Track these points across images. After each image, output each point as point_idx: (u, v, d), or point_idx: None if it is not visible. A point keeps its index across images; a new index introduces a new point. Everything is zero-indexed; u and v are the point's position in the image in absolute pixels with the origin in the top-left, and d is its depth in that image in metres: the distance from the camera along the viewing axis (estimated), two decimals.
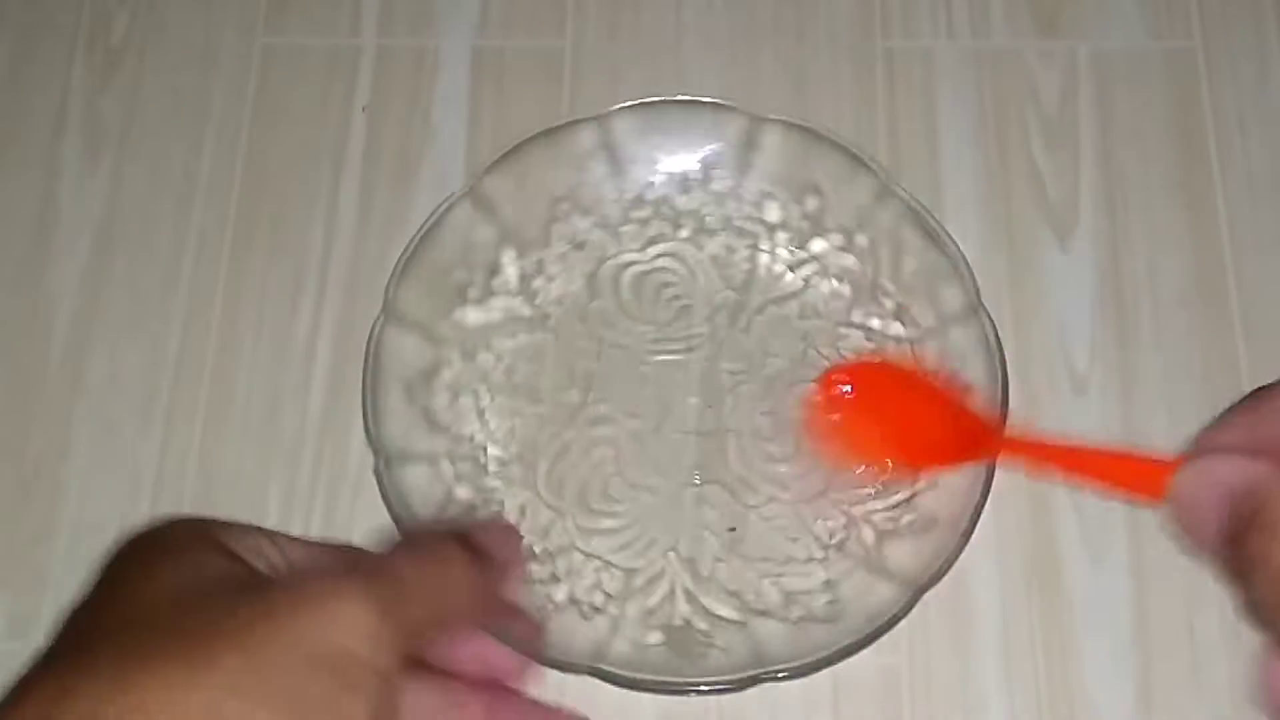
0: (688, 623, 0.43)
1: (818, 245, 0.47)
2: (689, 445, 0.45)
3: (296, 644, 0.26)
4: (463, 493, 0.44)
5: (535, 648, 0.39)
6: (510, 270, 0.47)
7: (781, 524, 0.44)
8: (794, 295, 0.47)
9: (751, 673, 0.40)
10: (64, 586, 0.45)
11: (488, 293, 0.47)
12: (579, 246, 0.48)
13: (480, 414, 0.46)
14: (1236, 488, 0.29)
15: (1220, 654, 0.43)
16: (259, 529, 0.32)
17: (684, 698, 0.42)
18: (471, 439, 0.45)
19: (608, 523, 0.44)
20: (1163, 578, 0.44)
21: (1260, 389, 0.31)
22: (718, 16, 0.53)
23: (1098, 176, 0.50)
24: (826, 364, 0.46)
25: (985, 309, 0.44)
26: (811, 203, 0.47)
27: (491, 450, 0.45)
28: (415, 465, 0.43)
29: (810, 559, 0.44)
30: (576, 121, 0.47)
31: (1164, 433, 0.46)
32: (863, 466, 0.45)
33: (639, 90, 0.52)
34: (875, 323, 0.46)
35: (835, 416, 0.45)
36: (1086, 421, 0.46)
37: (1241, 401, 0.31)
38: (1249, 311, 0.48)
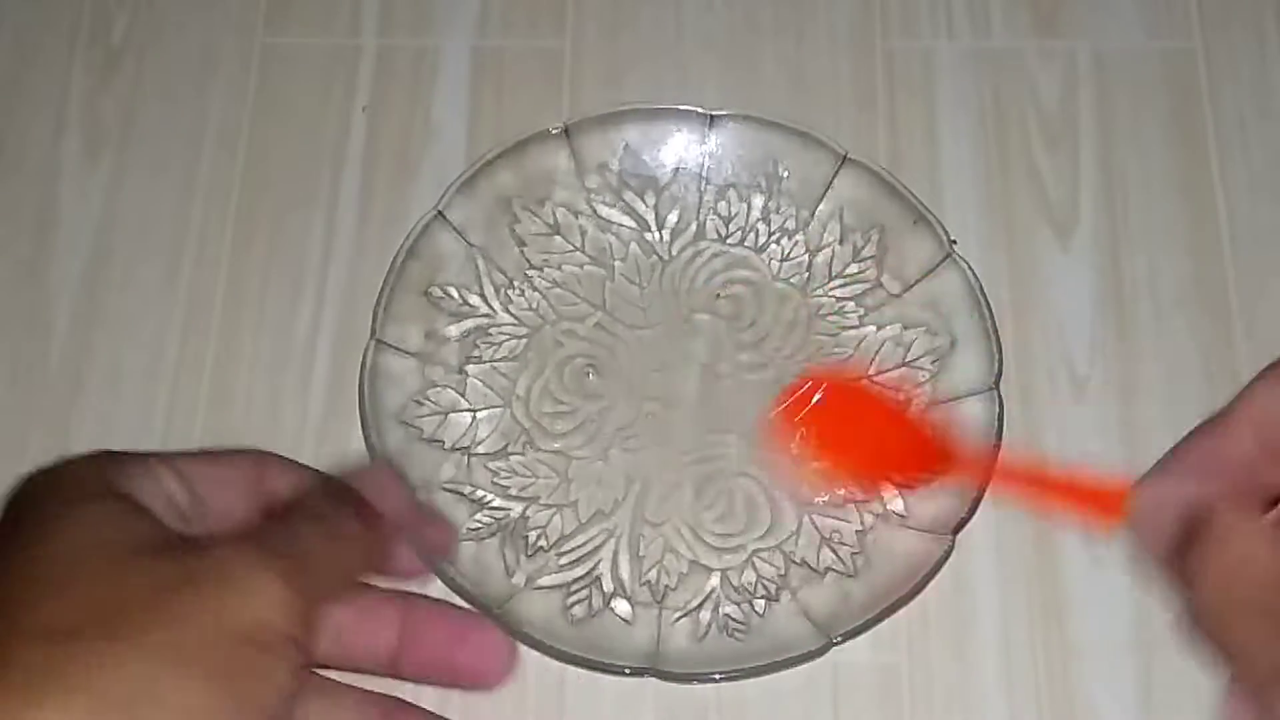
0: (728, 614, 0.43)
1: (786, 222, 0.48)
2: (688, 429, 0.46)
3: (219, 617, 0.28)
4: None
5: (448, 551, 0.42)
6: (487, 282, 0.48)
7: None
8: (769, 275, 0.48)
9: (823, 643, 0.41)
10: None
11: (468, 305, 0.47)
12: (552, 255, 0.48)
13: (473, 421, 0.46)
14: (1187, 505, 0.30)
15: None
16: (159, 459, 0.33)
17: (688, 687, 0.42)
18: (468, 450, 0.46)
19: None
20: (1162, 578, 0.44)
21: (1209, 418, 0.32)
22: (718, 16, 0.53)
23: (1098, 176, 0.50)
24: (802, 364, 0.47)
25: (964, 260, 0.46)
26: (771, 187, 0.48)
27: (491, 464, 0.46)
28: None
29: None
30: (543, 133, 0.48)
31: (1164, 433, 0.46)
32: (823, 483, 0.45)
33: (639, 90, 0.52)
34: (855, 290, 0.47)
35: (799, 430, 0.45)
36: (1086, 421, 0.46)
37: (1196, 428, 0.32)
38: (1249, 311, 0.48)
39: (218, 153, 0.51)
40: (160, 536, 0.30)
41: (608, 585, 0.44)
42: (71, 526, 0.29)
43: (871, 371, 0.46)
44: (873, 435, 0.45)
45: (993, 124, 0.51)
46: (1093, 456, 0.46)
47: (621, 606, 0.43)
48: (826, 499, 0.45)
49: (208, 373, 0.48)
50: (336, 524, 0.33)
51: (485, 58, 0.53)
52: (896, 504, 0.44)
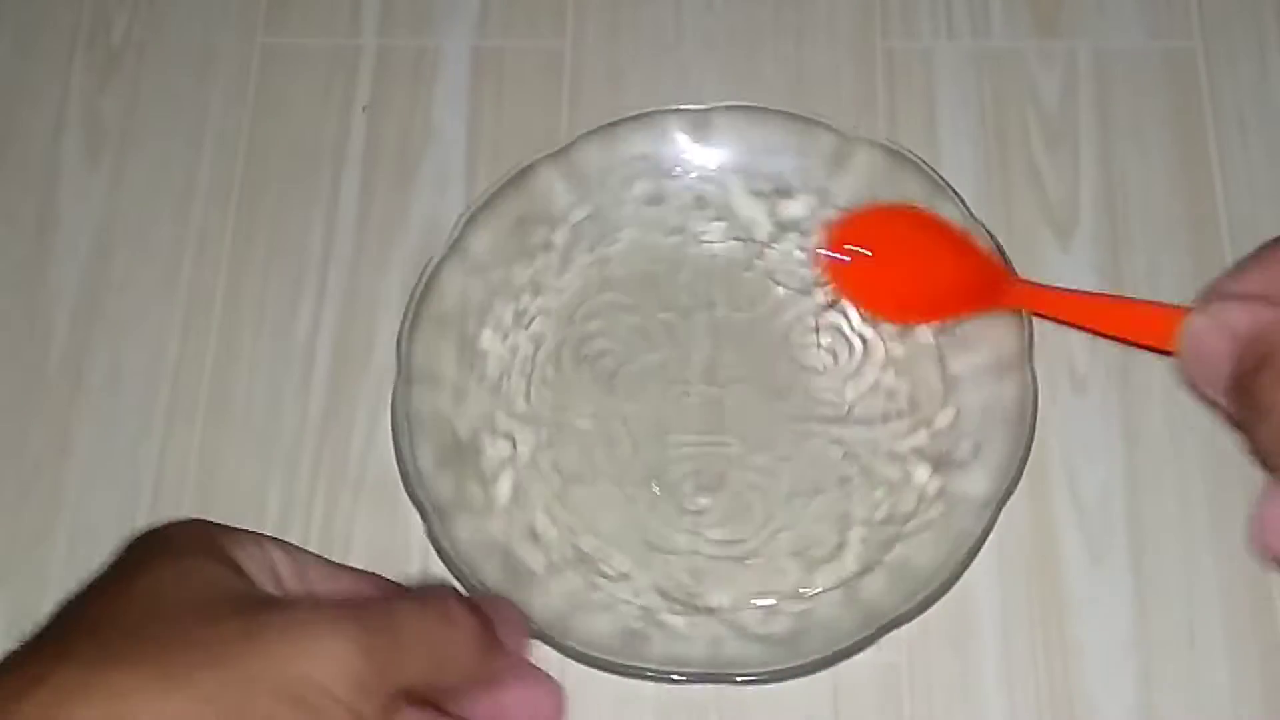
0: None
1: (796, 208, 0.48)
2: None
3: (270, 669, 0.26)
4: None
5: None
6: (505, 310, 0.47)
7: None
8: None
9: (853, 641, 0.41)
10: (64, 586, 0.44)
11: (491, 329, 0.47)
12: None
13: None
14: (1246, 333, 0.28)
15: (1220, 654, 0.43)
16: (278, 542, 0.31)
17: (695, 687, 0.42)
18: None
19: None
20: (1163, 578, 0.44)
21: (1272, 241, 0.30)
22: (718, 16, 0.53)
23: (1098, 176, 0.50)
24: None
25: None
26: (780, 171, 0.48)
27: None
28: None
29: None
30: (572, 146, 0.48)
31: (1164, 433, 0.46)
32: (874, 314, 0.46)
33: (639, 90, 0.52)
34: None
35: (843, 266, 0.46)
36: (1086, 420, 0.46)
37: (1253, 254, 0.30)
38: None
39: (218, 153, 0.51)
40: (246, 592, 0.29)
41: (659, 599, 0.43)
42: (162, 572, 0.29)
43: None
44: (918, 264, 0.46)
45: (993, 124, 0.51)
46: (1093, 456, 0.46)
47: (674, 619, 0.43)
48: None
49: (208, 373, 0.48)
50: (445, 612, 0.30)
51: (485, 58, 0.53)
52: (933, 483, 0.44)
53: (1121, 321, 0.40)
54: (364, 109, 0.52)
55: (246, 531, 0.31)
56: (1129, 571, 0.44)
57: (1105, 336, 0.43)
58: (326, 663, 0.26)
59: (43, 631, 0.28)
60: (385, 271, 0.49)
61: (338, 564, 0.33)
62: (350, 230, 0.50)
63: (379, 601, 0.30)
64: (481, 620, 0.31)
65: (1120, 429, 0.46)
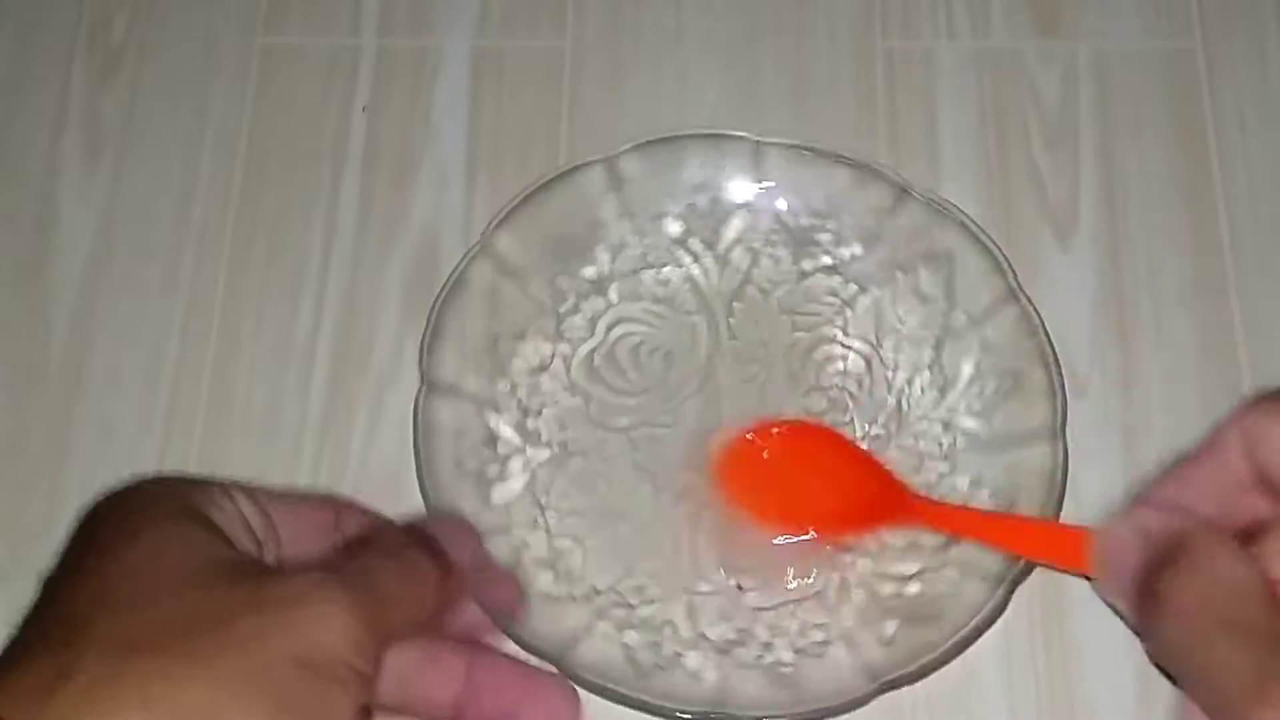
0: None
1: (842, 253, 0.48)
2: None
3: (289, 645, 0.27)
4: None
5: (514, 609, 0.41)
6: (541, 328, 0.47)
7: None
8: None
9: (871, 687, 0.40)
10: None
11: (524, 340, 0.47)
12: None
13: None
14: (1158, 535, 0.30)
15: None
16: (238, 486, 0.32)
17: None
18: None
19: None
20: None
21: (1186, 456, 0.32)
22: (718, 17, 0.53)
23: (1098, 176, 0.50)
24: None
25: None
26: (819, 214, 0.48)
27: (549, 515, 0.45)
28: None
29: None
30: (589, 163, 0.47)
31: (1164, 432, 0.46)
32: (775, 529, 0.44)
33: (639, 90, 0.52)
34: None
35: (748, 474, 0.45)
36: (1087, 421, 0.46)
37: (1168, 468, 0.32)
38: (1249, 311, 0.48)
39: (218, 153, 0.51)
40: (235, 560, 0.30)
41: (669, 632, 0.43)
42: (147, 543, 0.29)
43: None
44: (820, 478, 0.45)
45: (993, 124, 0.51)
46: (1093, 456, 0.45)
47: (685, 655, 0.42)
48: (786, 540, 0.44)
49: (208, 373, 0.48)
50: (409, 562, 0.32)
51: (485, 58, 0.53)
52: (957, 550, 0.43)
53: (1030, 540, 0.40)
54: (364, 109, 0.52)
55: (212, 483, 0.32)
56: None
57: (1015, 555, 0.41)
58: (332, 631, 0.28)
59: (40, 616, 0.28)
60: (385, 271, 0.49)
61: (293, 494, 0.34)
62: (350, 230, 0.50)
63: (355, 563, 0.31)
64: (438, 559, 0.33)
65: (1120, 429, 0.46)
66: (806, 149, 0.47)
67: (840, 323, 0.47)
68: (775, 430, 0.45)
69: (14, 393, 0.48)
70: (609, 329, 0.47)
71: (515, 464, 0.45)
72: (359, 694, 0.28)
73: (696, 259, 0.48)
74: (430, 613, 0.33)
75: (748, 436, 0.45)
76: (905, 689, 0.42)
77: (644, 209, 0.48)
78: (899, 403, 0.46)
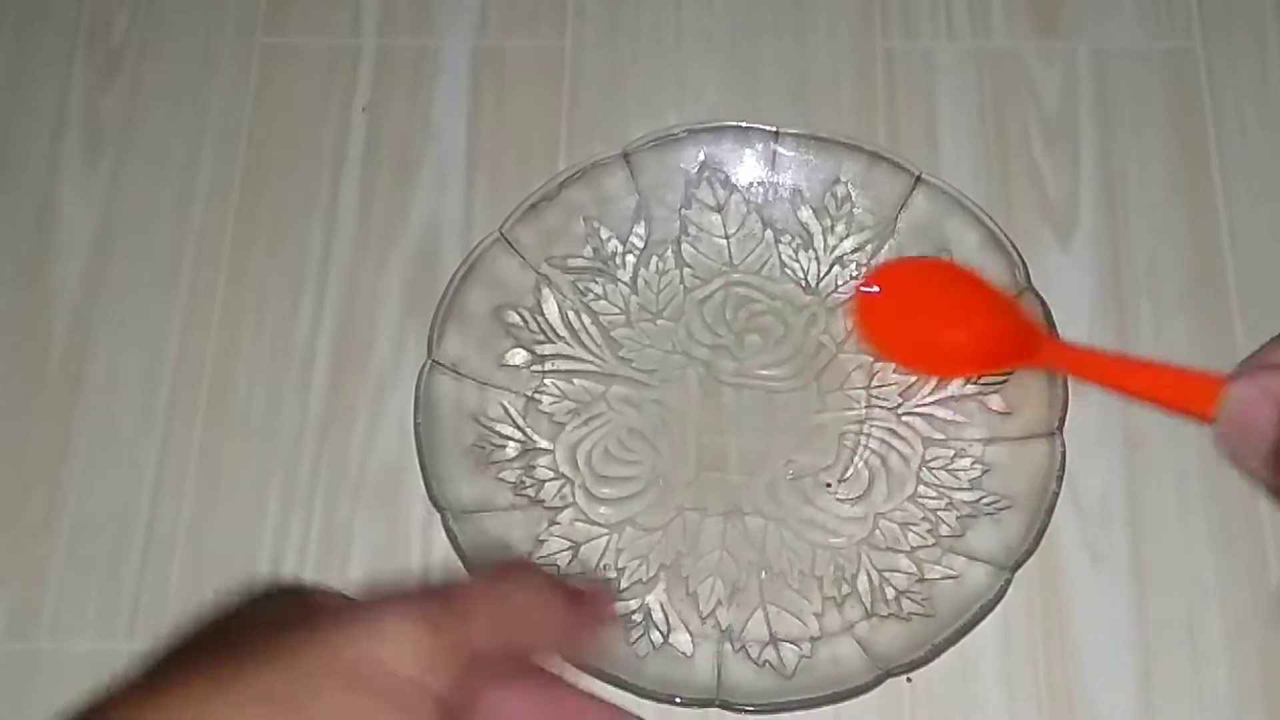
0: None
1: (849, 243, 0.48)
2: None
3: (327, 656, 0.25)
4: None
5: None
6: (552, 307, 0.47)
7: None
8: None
9: (876, 674, 0.41)
10: (64, 586, 0.45)
11: (534, 331, 0.47)
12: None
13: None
14: None
15: (1220, 654, 0.43)
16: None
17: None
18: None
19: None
20: (1163, 578, 0.44)
21: None
22: (718, 16, 0.53)
23: (1098, 176, 0.50)
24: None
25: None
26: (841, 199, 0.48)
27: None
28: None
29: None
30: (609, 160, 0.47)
31: (1164, 432, 0.46)
32: (903, 367, 0.46)
33: (639, 90, 0.52)
34: None
35: (874, 318, 0.46)
36: (1087, 421, 0.46)
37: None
38: (1249, 311, 0.48)
39: (218, 153, 0.51)
40: (319, 609, 0.28)
41: (667, 620, 0.43)
42: (247, 607, 0.28)
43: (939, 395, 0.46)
44: (952, 318, 0.45)
45: (993, 124, 0.51)
46: (1093, 456, 0.46)
47: (682, 641, 0.43)
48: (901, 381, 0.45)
49: (208, 373, 0.48)
50: (516, 577, 0.29)
51: (485, 58, 0.53)
52: (958, 545, 0.44)
53: (1158, 387, 0.39)
54: (364, 109, 0.52)
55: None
56: (1129, 571, 0.44)
57: (1139, 401, 0.41)
58: (390, 644, 0.25)
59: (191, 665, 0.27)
60: (385, 271, 0.49)
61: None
62: (350, 230, 0.50)
63: (445, 588, 0.28)
64: (558, 586, 0.30)
65: (1120, 430, 0.46)
66: (815, 139, 0.48)
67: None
68: (904, 269, 0.46)
69: (14, 393, 0.48)
70: (621, 309, 0.48)
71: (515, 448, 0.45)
72: (428, 714, 0.25)
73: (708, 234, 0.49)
74: (543, 635, 0.29)
75: (872, 289, 0.46)
76: (906, 683, 0.43)
77: (653, 195, 0.48)
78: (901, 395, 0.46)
